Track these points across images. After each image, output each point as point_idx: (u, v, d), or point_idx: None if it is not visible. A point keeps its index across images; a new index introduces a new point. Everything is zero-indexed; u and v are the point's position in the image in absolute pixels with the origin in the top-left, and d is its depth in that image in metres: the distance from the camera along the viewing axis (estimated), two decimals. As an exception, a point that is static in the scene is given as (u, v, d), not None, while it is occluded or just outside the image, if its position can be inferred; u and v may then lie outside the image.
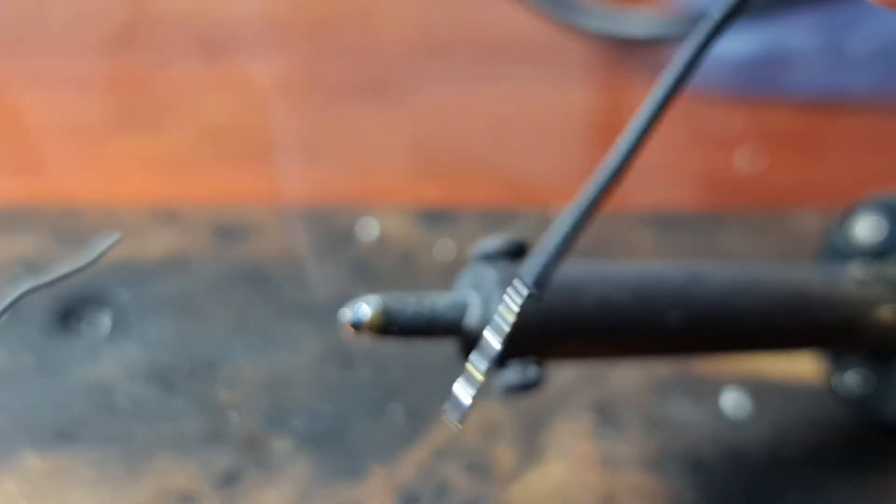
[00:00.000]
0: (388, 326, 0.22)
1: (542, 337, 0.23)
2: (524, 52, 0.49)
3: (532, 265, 0.20)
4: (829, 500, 0.31)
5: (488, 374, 0.22)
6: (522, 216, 0.40)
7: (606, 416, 0.33)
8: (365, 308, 0.22)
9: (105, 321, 0.35)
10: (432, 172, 0.43)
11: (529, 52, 0.48)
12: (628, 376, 0.34)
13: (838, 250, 0.32)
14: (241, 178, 0.42)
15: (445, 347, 0.34)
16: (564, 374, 0.34)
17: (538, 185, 0.42)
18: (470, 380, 0.21)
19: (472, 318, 0.22)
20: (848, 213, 0.32)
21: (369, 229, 0.39)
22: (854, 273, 0.30)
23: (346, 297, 0.36)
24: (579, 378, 0.34)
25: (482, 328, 0.22)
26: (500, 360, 0.23)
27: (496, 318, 0.22)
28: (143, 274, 0.37)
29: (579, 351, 0.25)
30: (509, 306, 0.20)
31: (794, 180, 0.43)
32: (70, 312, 0.35)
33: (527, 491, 0.31)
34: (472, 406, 0.21)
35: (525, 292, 0.20)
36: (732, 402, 0.33)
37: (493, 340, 0.22)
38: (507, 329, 0.22)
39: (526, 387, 0.23)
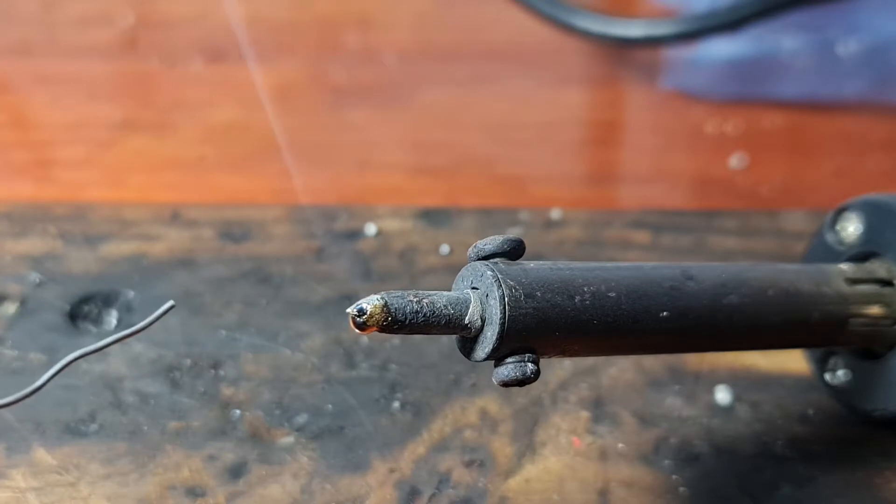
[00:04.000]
0: (390, 324, 0.22)
1: (538, 334, 0.23)
2: (523, 54, 0.49)
3: None
4: (820, 493, 0.31)
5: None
6: (521, 215, 0.40)
7: (602, 411, 0.33)
8: (366, 306, 0.22)
9: (112, 319, 0.36)
10: (432, 172, 0.43)
11: (528, 54, 0.49)
12: (623, 372, 0.34)
13: (828, 250, 0.33)
14: (245, 179, 0.42)
15: (445, 344, 0.35)
16: (560, 370, 0.34)
17: (536, 185, 0.43)
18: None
19: (470, 316, 0.23)
20: (837, 214, 0.33)
21: (370, 228, 0.39)
22: (843, 272, 0.30)
23: (348, 296, 0.37)
24: (575, 374, 0.34)
25: (480, 325, 0.23)
26: (498, 357, 0.23)
27: (494, 315, 0.23)
28: (148, 273, 0.37)
29: (575, 348, 0.25)
30: None
31: (785, 181, 0.43)
32: (78, 310, 0.36)
33: (524, 485, 0.31)
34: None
35: None
36: (725, 396, 0.34)
37: (491, 337, 0.23)
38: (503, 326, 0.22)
39: (523, 382, 0.23)
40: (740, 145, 0.44)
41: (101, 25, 0.49)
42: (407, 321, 0.22)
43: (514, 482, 0.31)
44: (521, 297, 0.23)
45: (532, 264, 0.24)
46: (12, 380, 0.33)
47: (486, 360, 0.23)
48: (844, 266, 0.30)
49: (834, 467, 0.32)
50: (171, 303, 0.22)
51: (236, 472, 0.31)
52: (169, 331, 0.35)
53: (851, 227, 0.32)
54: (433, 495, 0.31)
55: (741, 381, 0.34)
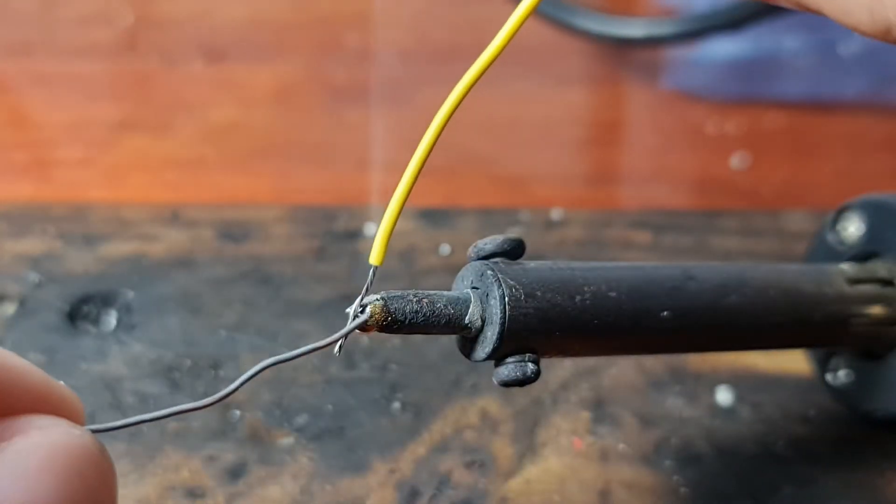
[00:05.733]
0: (390, 323, 0.22)
1: (539, 334, 0.23)
2: (523, 54, 0.49)
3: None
4: (821, 494, 0.31)
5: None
6: (521, 215, 0.40)
7: (602, 411, 0.33)
8: (366, 306, 0.22)
9: (111, 319, 0.36)
10: (432, 172, 0.43)
11: (528, 54, 0.49)
12: (624, 372, 0.34)
13: (829, 250, 0.33)
14: (245, 179, 0.42)
15: (445, 344, 0.35)
16: (561, 371, 0.34)
17: (537, 185, 0.43)
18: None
19: (470, 316, 0.23)
20: (838, 214, 0.33)
21: (370, 228, 0.39)
22: (845, 272, 0.30)
23: (348, 296, 0.37)
24: (576, 374, 0.34)
25: (481, 325, 0.23)
26: (498, 357, 0.23)
27: (494, 315, 0.23)
28: (148, 273, 0.37)
29: (576, 347, 0.25)
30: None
31: (786, 181, 0.43)
32: (77, 311, 0.36)
33: (525, 485, 0.31)
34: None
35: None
36: (726, 397, 0.34)
37: (491, 337, 0.23)
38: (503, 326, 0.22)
39: (523, 382, 0.23)
40: (741, 145, 0.44)
41: (100, 25, 0.49)
42: (407, 321, 0.22)
43: (514, 483, 0.31)
44: (521, 296, 0.23)
45: (532, 264, 0.24)
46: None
47: (486, 360, 0.23)
48: (845, 266, 0.30)
49: (835, 468, 0.32)
50: (364, 318, 0.22)
51: (236, 472, 0.31)
52: (168, 331, 0.35)
53: (852, 227, 0.32)
54: (433, 496, 0.31)
55: (742, 382, 0.34)
